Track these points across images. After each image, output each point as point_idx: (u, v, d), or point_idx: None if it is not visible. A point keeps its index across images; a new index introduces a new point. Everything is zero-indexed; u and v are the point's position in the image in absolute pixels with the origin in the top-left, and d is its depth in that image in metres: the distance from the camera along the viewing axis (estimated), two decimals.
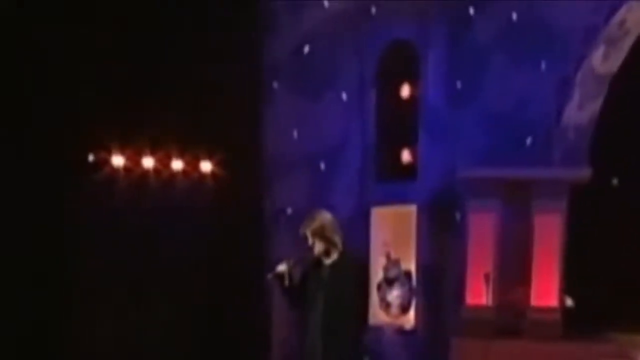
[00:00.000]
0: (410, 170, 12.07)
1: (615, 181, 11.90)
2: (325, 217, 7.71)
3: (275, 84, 12.57)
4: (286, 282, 7.56)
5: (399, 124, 12.18)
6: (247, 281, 11.62)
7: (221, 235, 11.88)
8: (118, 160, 11.63)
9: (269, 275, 7.61)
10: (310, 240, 7.58)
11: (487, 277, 10.30)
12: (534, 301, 11.13)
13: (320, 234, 7.58)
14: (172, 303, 11.63)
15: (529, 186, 11.12)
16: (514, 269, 11.18)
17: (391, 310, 12.07)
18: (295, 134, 12.49)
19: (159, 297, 11.60)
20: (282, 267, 7.58)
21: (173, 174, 11.93)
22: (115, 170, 11.61)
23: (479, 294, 10.71)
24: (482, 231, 11.23)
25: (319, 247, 7.62)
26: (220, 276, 11.84)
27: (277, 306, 11.66)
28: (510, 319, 11.11)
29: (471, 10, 11.61)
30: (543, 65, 11.28)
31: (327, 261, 7.62)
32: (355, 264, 7.75)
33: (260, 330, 12.01)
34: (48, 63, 10.84)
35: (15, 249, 10.82)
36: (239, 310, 11.83)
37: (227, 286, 11.78)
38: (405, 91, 12.18)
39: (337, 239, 7.64)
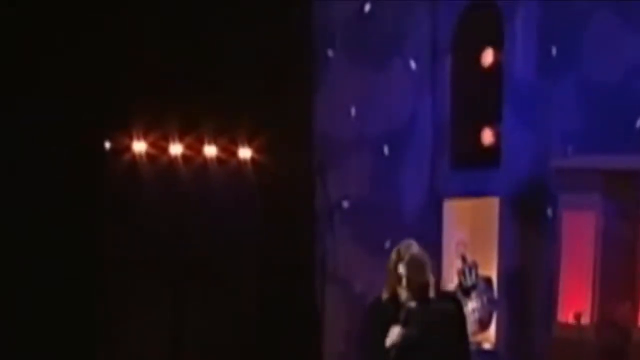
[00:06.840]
0: (491, 155, 11.62)
1: None
2: None
3: (329, 52, 12.10)
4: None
5: (479, 98, 11.79)
6: (295, 289, 11.41)
7: (263, 235, 11.61)
8: (140, 147, 11.36)
9: (459, 293, 7.42)
10: (426, 274, 7.10)
11: (577, 316, 10.04)
12: None
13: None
14: (209, 313, 11.44)
15: (637, 178, 10.64)
16: (617, 279, 10.70)
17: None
18: (353, 111, 12.02)
19: (194, 306, 11.45)
20: (473, 279, 7.41)
21: (206, 162, 11.61)
22: (136, 158, 11.34)
23: (574, 309, 10.44)
24: (578, 231, 10.78)
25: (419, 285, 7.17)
26: (263, 282, 11.60)
27: (331, 317, 11.44)
28: (613, 339, 10.64)
29: None
30: None
31: (410, 305, 7.08)
32: None
33: (310, 343, 11.55)
34: (65, 40, 10.64)
35: (40, 247, 10.64)
36: (286, 321, 11.45)
37: (272, 294, 11.51)
38: (487, 59, 11.74)
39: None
